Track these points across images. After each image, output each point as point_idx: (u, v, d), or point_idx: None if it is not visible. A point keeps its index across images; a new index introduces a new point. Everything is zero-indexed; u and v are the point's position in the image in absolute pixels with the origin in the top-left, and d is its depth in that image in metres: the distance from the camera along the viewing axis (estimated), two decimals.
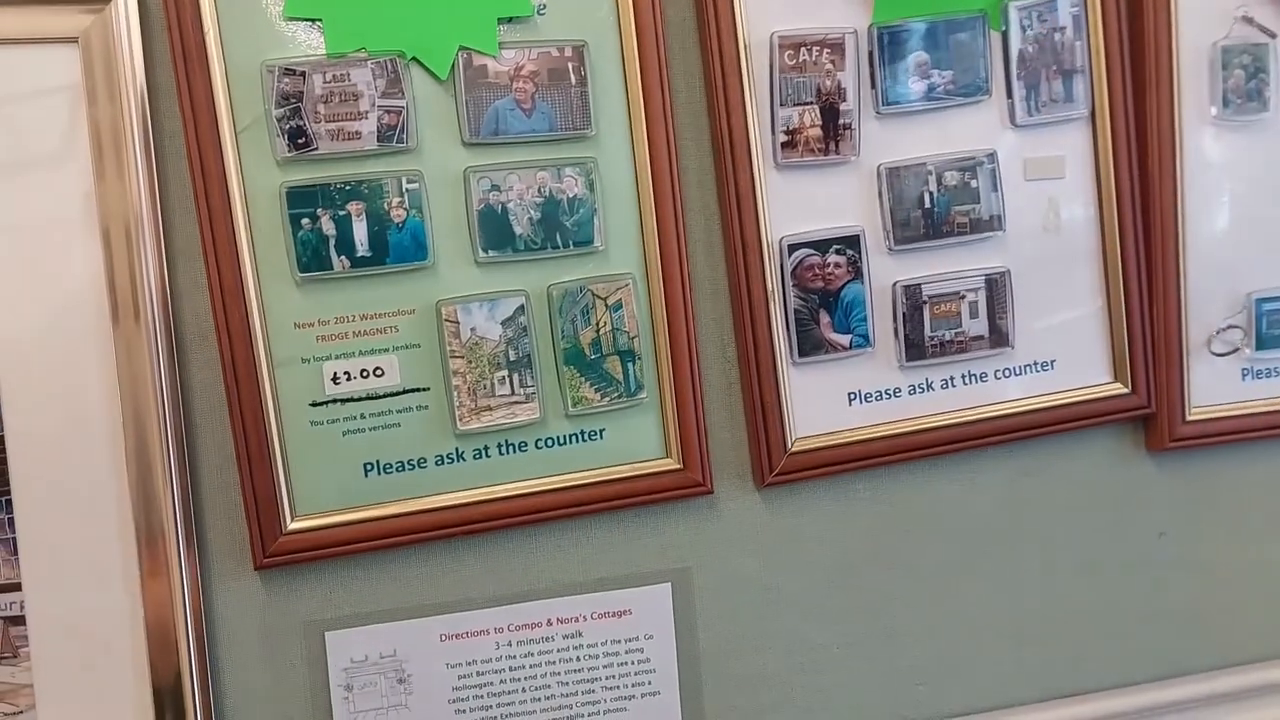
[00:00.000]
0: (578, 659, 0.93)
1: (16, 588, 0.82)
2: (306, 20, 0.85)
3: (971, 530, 1.00)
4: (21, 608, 0.82)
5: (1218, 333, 1.00)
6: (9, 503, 0.81)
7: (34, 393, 0.83)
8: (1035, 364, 0.98)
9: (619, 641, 0.93)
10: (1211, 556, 1.03)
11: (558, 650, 0.92)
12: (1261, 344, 1.01)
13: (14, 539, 0.82)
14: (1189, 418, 1.00)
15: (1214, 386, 1.01)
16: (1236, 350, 1.01)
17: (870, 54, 0.93)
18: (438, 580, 0.90)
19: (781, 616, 0.97)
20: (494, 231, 0.87)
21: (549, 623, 0.92)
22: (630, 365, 0.91)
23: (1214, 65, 0.98)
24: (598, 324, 0.90)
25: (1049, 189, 0.97)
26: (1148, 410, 0.99)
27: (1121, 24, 0.96)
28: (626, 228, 0.91)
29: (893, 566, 0.99)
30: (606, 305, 0.90)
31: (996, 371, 0.98)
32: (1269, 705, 1.04)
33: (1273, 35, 0.98)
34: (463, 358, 0.87)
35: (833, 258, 0.94)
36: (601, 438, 0.92)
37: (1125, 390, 0.99)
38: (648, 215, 0.90)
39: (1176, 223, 0.98)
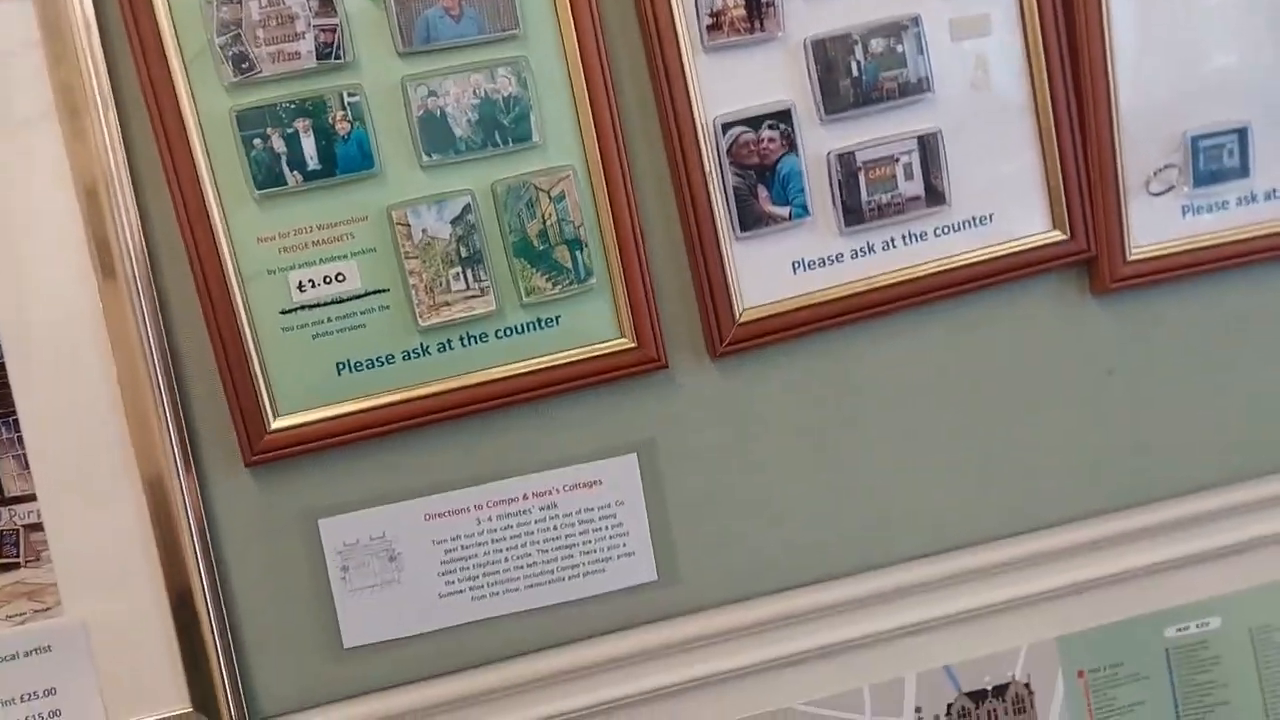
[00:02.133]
0: (554, 528, 1.00)
1: (32, 498, 0.91)
2: None
3: (923, 384, 1.04)
4: (39, 515, 0.91)
5: (1155, 173, 1.03)
6: (16, 422, 0.90)
7: (30, 330, 0.90)
8: (973, 219, 1.02)
9: (592, 510, 1.00)
10: (1160, 390, 1.07)
11: (535, 521, 1.00)
12: (1199, 180, 1.03)
13: (25, 455, 0.90)
14: (1130, 258, 1.03)
15: (1154, 226, 1.03)
16: (1173, 188, 1.03)
17: None
18: (418, 466, 0.98)
19: (744, 477, 1.03)
20: (435, 136, 0.92)
21: (524, 497, 0.99)
22: (578, 253, 0.96)
23: None
24: (543, 216, 0.95)
25: (976, 47, 0.99)
26: (1089, 254, 1.02)
27: None
28: (563, 121, 0.95)
29: (848, 424, 1.04)
30: (550, 197, 0.95)
31: (935, 230, 1.01)
32: (1217, 530, 1.09)
33: None
34: (417, 258, 0.93)
35: (766, 133, 0.98)
36: (557, 324, 0.97)
37: (1064, 237, 1.02)
38: (582, 107, 0.94)
39: (1106, 69, 1.00)
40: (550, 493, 1.00)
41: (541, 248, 0.95)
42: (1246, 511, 1.08)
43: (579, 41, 0.93)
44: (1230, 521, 1.08)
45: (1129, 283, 1.03)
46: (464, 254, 0.94)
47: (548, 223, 0.95)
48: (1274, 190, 1.04)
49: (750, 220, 0.99)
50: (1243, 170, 1.03)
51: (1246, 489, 1.08)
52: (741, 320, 0.99)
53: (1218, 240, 1.04)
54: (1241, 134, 1.02)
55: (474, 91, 0.92)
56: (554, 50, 0.94)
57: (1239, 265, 1.04)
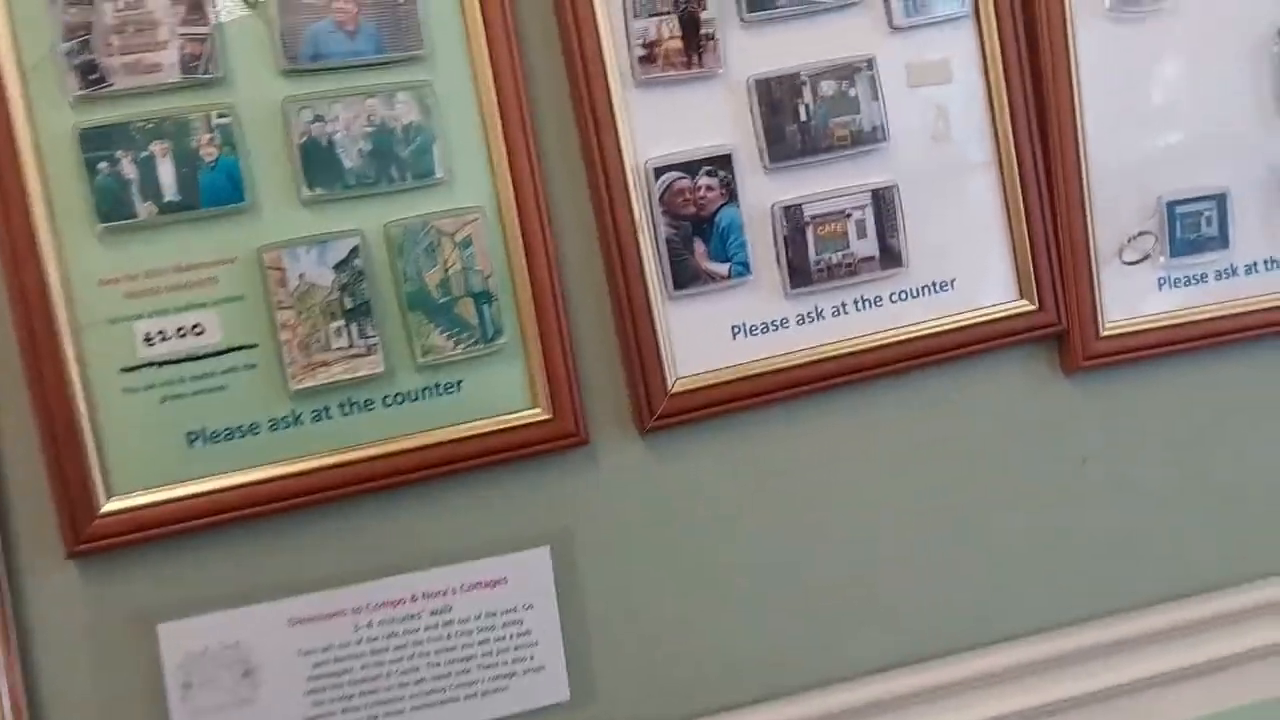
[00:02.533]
0: (448, 636, 0.84)
1: None
2: None
3: (875, 469, 0.92)
4: None
5: (1129, 240, 0.93)
6: None
7: None
8: (933, 284, 0.91)
9: (494, 614, 0.85)
10: (1139, 481, 0.96)
11: (425, 629, 0.83)
12: (1176, 250, 0.93)
13: None
14: (1104, 333, 0.93)
15: (1129, 298, 0.94)
16: (1149, 258, 0.93)
17: None
18: (284, 560, 0.82)
19: (675, 575, 0.89)
20: (320, 166, 0.79)
21: (414, 599, 0.83)
22: (486, 307, 0.83)
23: None
24: (445, 263, 0.82)
25: (935, 95, 0.90)
26: (1059, 328, 0.92)
27: None
28: (472, 156, 0.82)
29: (793, 512, 0.91)
30: (454, 242, 0.82)
31: (891, 295, 0.90)
32: (1211, 639, 0.97)
33: None
34: (292, 308, 0.79)
35: (704, 180, 0.86)
36: (458, 390, 0.83)
37: (1033, 307, 0.92)
38: (495, 140, 0.82)
39: (1075, 125, 0.91)
40: (445, 594, 0.84)
41: (442, 300, 0.82)
42: (1239, 620, 0.96)
43: (493, 66, 0.81)
44: (1221, 632, 0.97)
45: (1103, 361, 0.93)
46: (348, 305, 0.80)
47: (450, 271, 0.82)
48: (1254, 264, 0.95)
49: (685, 277, 0.86)
50: (1222, 240, 0.94)
51: (1237, 595, 0.97)
52: (674, 391, 0.86)
53: (1197, 316, 0.94)
54: (1220, 200, 0.93)
55: (368, 118, 0.79)
56: (464, 75, 0.82)
57: (1219, 345, 0.94)
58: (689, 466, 0.88)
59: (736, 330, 0.88)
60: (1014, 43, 0.89)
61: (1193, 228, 0.93)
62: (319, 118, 0.78)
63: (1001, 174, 0.91)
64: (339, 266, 0.79)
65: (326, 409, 0.81)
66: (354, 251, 0.79)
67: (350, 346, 0.80)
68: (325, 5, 0.78)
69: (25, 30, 0.75)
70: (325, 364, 0.79)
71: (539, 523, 0.86)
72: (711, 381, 0.87)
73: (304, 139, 0.78)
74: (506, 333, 0.83)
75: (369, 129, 0.79)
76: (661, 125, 0.85)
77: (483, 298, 0.83)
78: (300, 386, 0.79)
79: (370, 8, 0.79)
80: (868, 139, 0.88)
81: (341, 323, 0.80)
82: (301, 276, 0.79)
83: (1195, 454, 0.97)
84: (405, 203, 0.81)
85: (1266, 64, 0.94)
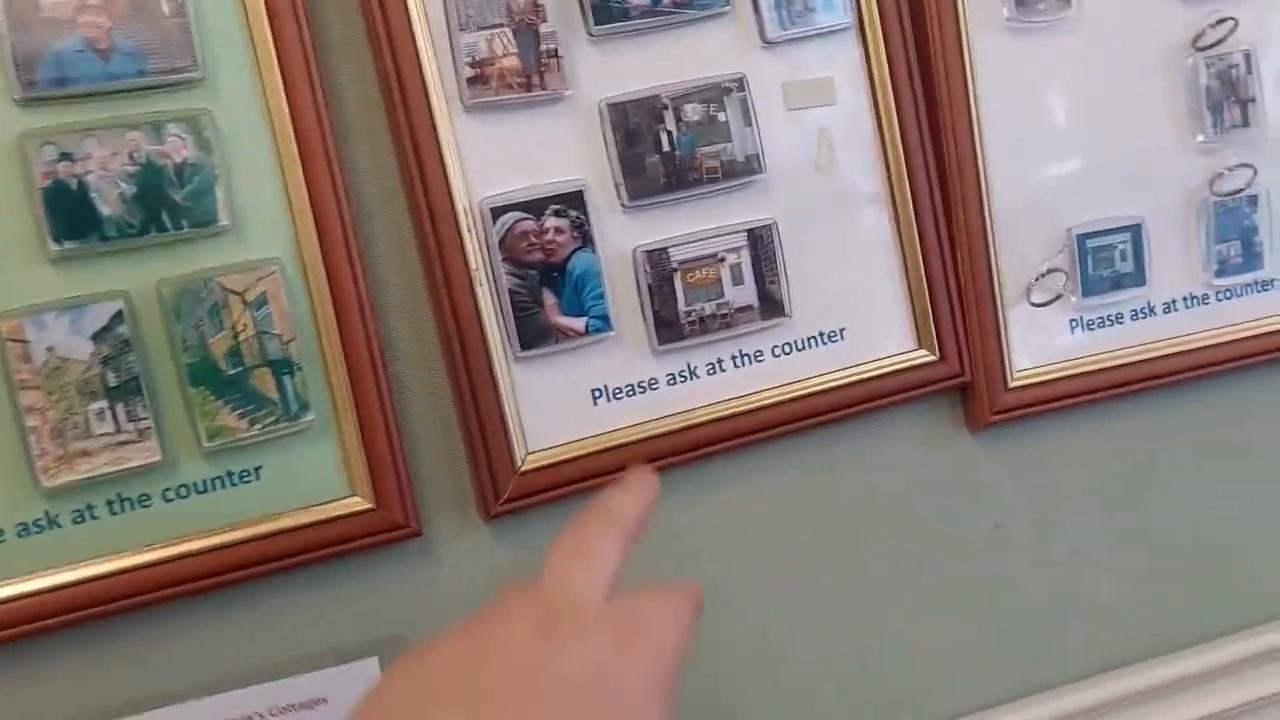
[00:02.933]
0: None
1: None
2: None
3: (761, 544, 0.80)
4: None
5: (1037, 279, 0.83)
6: None
7: None
8: (821, 335, 0.80)
9: None
10: (1059, 544, 0.86)
11: None
12: (1088, 288, 0.83)
13: None
14: (1013, 384, 0.82)
15: (1039, 344, 0.83)
16: (1060, 298, 0.83)
17: None
18: (49, 688, 0.67)
19: None
20: (69, 215, 0.64)
21: None
22: (287, 378, 0.69)
23: None
24: (235, 327, 0.68)
25: (818, 119, 0.79)
26: (963, 380, 0.81)
27: None
28: (266, 199, 0.69)
29: None
30: (245, 302, 0.68)
31: (774, 348, 0.79)
32: (1153, 712, 0.87)
33: None
34: (38, 389, 0.64)
35: (552, 221, 0.74)
36: (257, 477, 0.69)
37: (933, 358, 0.81)
38: (294, 180, 0.68)
39: (974, 150, 0.80)
40: (252, 719, 0.70)
41: (232, 372, 0.68)
42: (1175, 692, 0.86)
43: (287, 90, 0.68)
44: (1159, 704, 0.86)
45: (1013, 414, 0.82)
46: (113, 383, 0.65)
47: (241, 337, 0.68)
48: (1173, 301, 0.86)
49: (533, 335, 0.74)
50: (1138, 276, 0.84)
51: (1168, 665, 0.87)
52: (525, 468, 0.73)
53: (1114, 361, 0.84)
54: (1135, 231, 0.84)
55: (130, 154, 0.65)
56: (252, 100, 0.68)
57: (1139, 391, 0.85)
58: (544, 557, 0.76)
59: (598, 394, 0.76)
60: (904, 58, 0.79)
61: (1106, 263, 0.83)
62: (66, 155, 0.64)
63: (894, 207, 0.80)
64: (98, 336, 0.65)
65: (91, 508, 0.66)
66: (117, 317, 0.65)
67: (117, 431, 0.66)
68: (71, 19, 0.64)
69: None
70: (86, 454, 0.65)
71: (365, 630, 0.73)
72: (569, 455, 0.75)
73: (48, 182, 0.64)
74: (314, 408, 0.69)
75: (132, 168, 0.65)
76: (499, 157, 0.73)
77: (283, 367, 0.69)
78: (54, 483, 0.64)
79: (129, 21, 0.65)
80: (741, 170, 0.76)
81: (104, 403, 0.65)
82: (50, 350, 0.64)
83: (1119, 512, 0.86)
84: (182, 256, 0.67)
85: (1180, 78, 0.84)
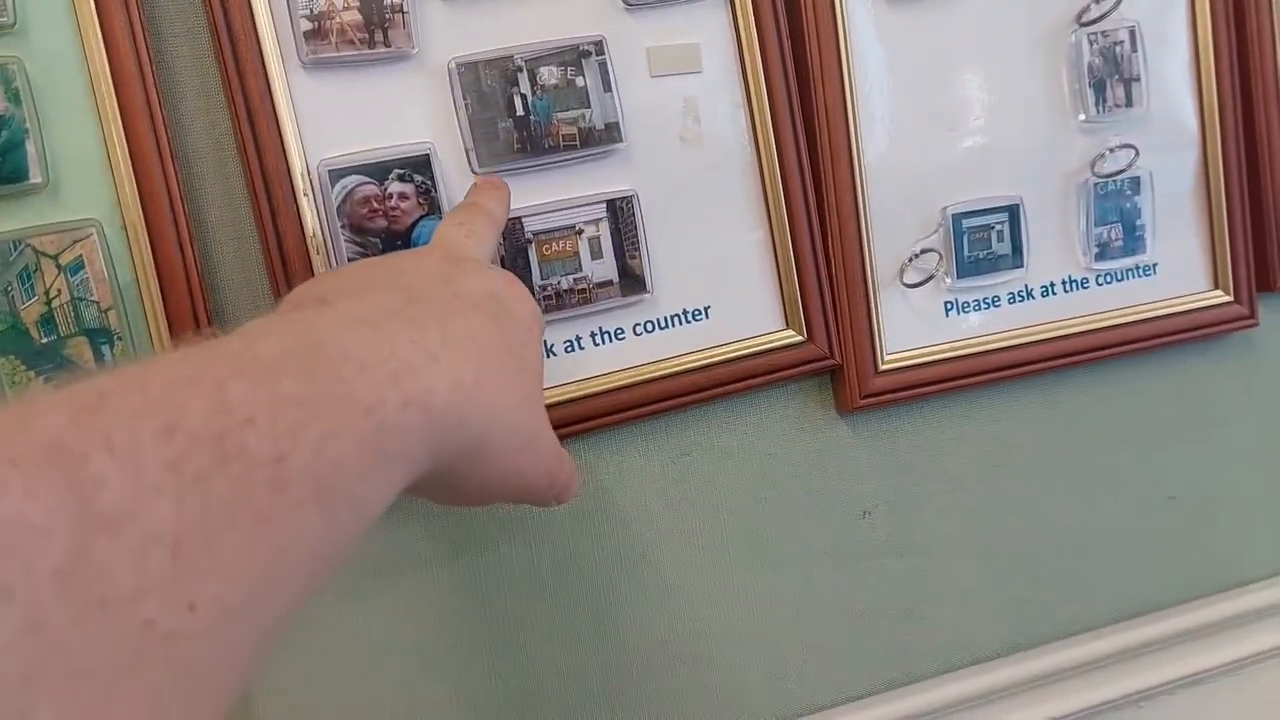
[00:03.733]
0: None
1: None
2: None
3: (621, 526, 0.77)
4: None
5: (910, 260, 0.81)
6: None
7: None
8: (684, 313, 0.77)
9: None
10: (927, 534, 0.84)
11: None
12: (964, 270, 0.81)
13: None
14: (883, 367, 0.80)
15: (911, 327, 0.81)
16: (933, 278, 0.81)
17: None
18: None
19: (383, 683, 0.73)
20: None
21: None
22: (106, 347, 0.65)
23: None
24: (48, 293, 0.64)
25: (684, 87, 0.76)
26: (832, 362, 0.79)
27: None
28: (84, 155, 0.65)
29: (533, 577, 0.76)
30: (59, 266, 0.64)
31: (635, 326, 0.76)
32: (1016, 708, 0.85)
33: None
34: None
35: (396, 186, 0.70)
36: None
37: (801, 338, 0.78)
38: (114, 135, 0.64)
39: (847, 125, 0.78)
40: None
41: (45, 341, 0.64)
42: (1032, 688, 0.85)
43: (106, 37, 0.63)
44: (1024, 698, 0.85)
45: (883, 399, 0.80)
46: None
47: (55, 303, 0.64)
48: (1051, 284, 0.84)
49: None
50: (1015, 259, 0.82)
51: (1029, 660, 0.85)
52: None
53: (989, 345, 0.82)
54: (1013, 212, 0.82)
55: None
56: (69, 49, 0.64)
57: (1014, 377, 0.83)
58: (393, 532, 0.73)
59: None
60: (773, 26, 0.76)
61: (982, 244, 0.81)
62: None
63: (763, 182, 0.77)
64: None
65: None
66: None
67: None
68: None
69: None
70: None
71: None
72: None
73: None
74: None
75: None
76: (340, 118, 0.69)
77: (100, 335, 0.65)
78: None
79: None
80: (601, 139, 0.73)
81: None
82: None
83: (988, 502, 0.84)
84: None
85: (1062, 55, 0.82)
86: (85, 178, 0.65)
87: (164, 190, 0.66)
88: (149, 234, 0.65)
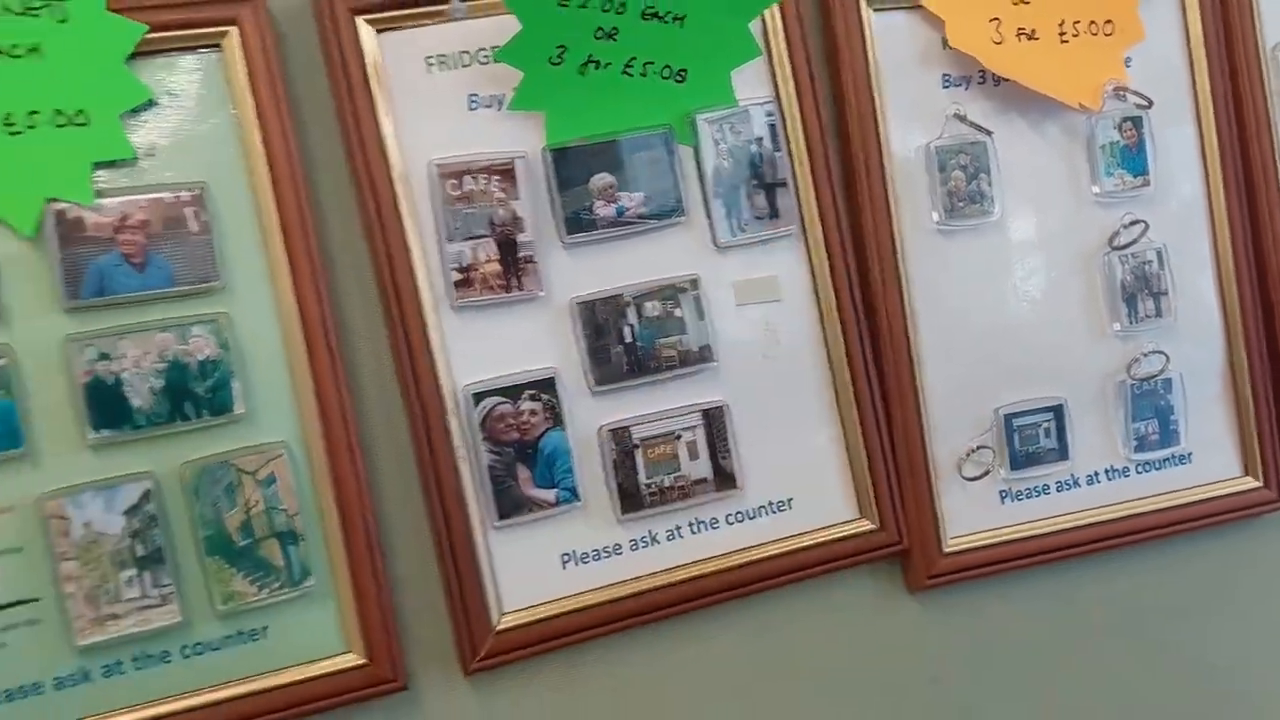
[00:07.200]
0: None
1: None
2: None
3: (716, 697, 0.88)
4: None
5: (968, 455, 0.92)
6: None
7: None
8: (770, 505, 0.88)
9: None
10: (989, 701, 0.93)
11: None
12: (1016, 463, 0.92)
13: None
14: (947, 550, 0.91)
15: (970, 513, 0.92)
16: (989, 472, 0.92)
17: (547, 179, 0.84)
18: None
19: None
20: (106, 407, 0.75)
21: None
22: (292, 548, 0.78)
23: (930, 168, 0.91)
24: (247, 503, 0.78)
25: (765, 313, 0.89)
26: (901, 546, 0.90)
27: (824, 131, 0.89)
28: (275, 390, 0.79)
29: None
30: (256, 480, 0.78)
31: (727, 516, 0.88)
32: None
33: (989, 132, 0.92)
34: (76, 559, 0.74)
35: (527, 404, 0.84)
36: (264, 636, 0.78)
37: (873, 526, 0.89)
38: (300, 373, 0.79)
39: (908, 339, 0.90)
40: None
41: (244, 543, 0.77)
42: None
43: (297, 296, 0.79)
44: None
45: (947, 579, 0.90)
46: (140, 553, 0.75)
47: (252, 512, 0.78)
48: (1095, 474, 0.94)
49: (509, 506, 0.83)
50: (1061, 451, 0.93)
51: None
52: (500, 628, 0.82)
53: (1041, 529, 0.92)
54: (1057, 411, 0.93)
55: (160, 354, 0.76)
56: (266, 307, 0.79)
57: (1066, 558, 0.92)
58: (519, 707, 0.84)
59: (566, 559, 0.85)
60: (842, 260, 0.89)
61: (1031, 439, 0.92)
62: (104, 355, 0.75)
63: (835, 390, 0.89)
64: (130, 512, 0.75)
65: (118, 663, 0.75)
66: (146, 495, 0.75)
67: (143, 596, 0.75)
68: (110, 238, 0.75)
69: None
70: (115, 616, 0.74)
71: None
72: (541, 615, 0.83)
73: (88, 378, 0.74)
74: (316, 574, 0.79)
75: (161, 365, 0.76)
76: (480, 349, 0.83)
77: (288, 538, 0.78)
78: (87, 641, 0.74)
79: (161, 239, 0.76)
80: (695, 359, 0.86)
81: (133, 572, 0.75)
82: (87, 525, 0.74)
83: (1045, 673, 0.94)
84: (201, 441, 0.77)
85: (1098, 272, 0.94)
86: (277, 407, 0.79)
87: (339, 415, 0.79)
88: (327, 451, 0.79)
